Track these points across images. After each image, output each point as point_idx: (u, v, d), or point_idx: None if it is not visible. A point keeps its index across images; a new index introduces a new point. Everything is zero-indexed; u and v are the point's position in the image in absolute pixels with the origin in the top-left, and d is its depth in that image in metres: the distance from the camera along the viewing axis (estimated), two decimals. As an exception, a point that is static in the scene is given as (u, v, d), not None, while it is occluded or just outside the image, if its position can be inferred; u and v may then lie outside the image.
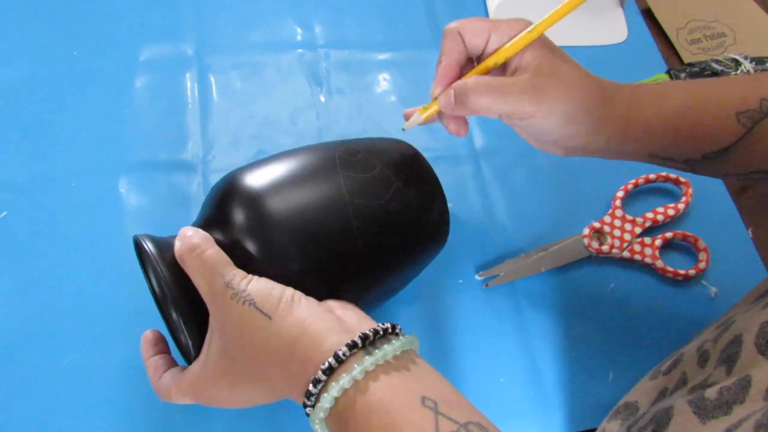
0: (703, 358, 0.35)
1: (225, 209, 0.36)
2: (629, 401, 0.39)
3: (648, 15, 0.72)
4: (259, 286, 0.32)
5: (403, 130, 0.40)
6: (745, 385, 0.28)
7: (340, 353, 0.28)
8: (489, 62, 0.38)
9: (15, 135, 0.54)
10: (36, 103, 0.56)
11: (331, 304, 0.34)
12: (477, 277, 0.51)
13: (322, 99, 0.60)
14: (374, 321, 0.33)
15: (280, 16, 0.65)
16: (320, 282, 0.35)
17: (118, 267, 0.49)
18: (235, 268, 0.33)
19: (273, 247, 0.35)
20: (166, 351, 0.38)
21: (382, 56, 0.64)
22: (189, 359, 0.35)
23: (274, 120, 0.58)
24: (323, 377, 0.28)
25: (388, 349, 0.29)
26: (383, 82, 0.62)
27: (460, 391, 0.30)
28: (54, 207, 0.51)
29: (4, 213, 0.50)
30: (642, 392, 0.39)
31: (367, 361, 0.28)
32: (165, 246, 0.35)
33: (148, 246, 0.35)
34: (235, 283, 0.32)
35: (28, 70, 0.57)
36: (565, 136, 0.39)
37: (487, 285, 0.51)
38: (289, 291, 0.32)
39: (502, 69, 0.39)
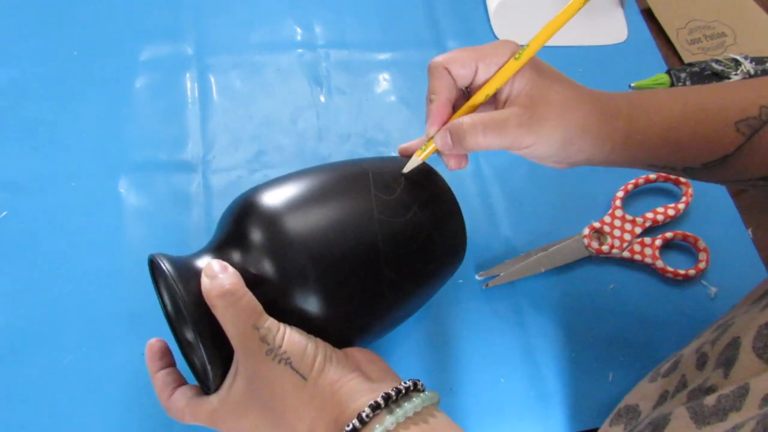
0: (701, 361, 0.35)
1: (244, 229, 0.36)
2: (630, 404, 0.39)
3: (648, 15, 0.72)
4: (293, 341, 0.32)
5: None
6: (743, 393, 0.28)
7: (364, 415, 0.29)
8: (479, 97, 0.37)
9: (15, 135, 0.54)
10: (36, 103, 0.56)
11: (358, 357, 0.34)
12: (477, 277, 0.51)
13: (322, 99, 0.60)
14: (397, 375, 0.34)
15: (280, 16, 0.65)
16: (340, 312, 0.35)
17: (118, 267, 0.49)
18: (267, 318, 0.33)
19: (293, 270, 0.34)
20: (172, 364, 0.38)
21: (382, 56, 0.64)
22: (206, 388, 0.35)
23: (274, 120, 0.58)
24: None
25: (409, 407, 0.30)
26: (383, 82, 0.62)
27: None
28: (54, 207, 0.51)
29: (4, 213, 0.50)
30: (642, 395, 0.39)
31: (388, 421, 0.29)
32: (185, 270, 0.34)
33: (168, 269, 0.33)
34: (270, 339, 0.32)
35: (28, 70, 0.57)
36: (565, 157, 0.38)
37: (487, 285, 0.51)
38: (322, 348, 0.33)
39: (493, 98, 0.38)
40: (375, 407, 0.30)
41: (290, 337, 0.32)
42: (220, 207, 0.52)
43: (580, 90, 0.38)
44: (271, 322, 0.33)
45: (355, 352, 0.35)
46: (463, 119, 0.36)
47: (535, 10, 0.69)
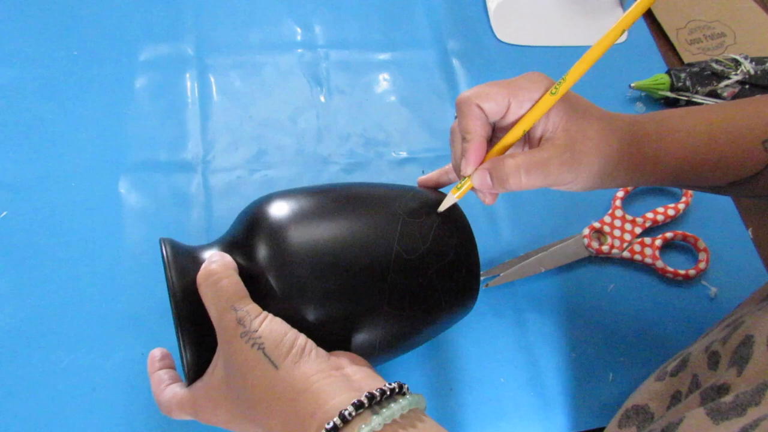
0: (713, 360, 0.35)
1: (250, 234, 0.36)
2: (639, 404, 0.39)
3: (648, 15, 0.72)
4: (271, 328, 0.31)
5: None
6: (762, 388, 0.28)
7: (346, 413, 0.28)
8: (516, 133, 0.36)
9: (15, 135, 0.54)
10: (36, 103, 0.56)
11: (342, 360, 0.33)
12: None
13: (322, 99, 0.60)
14: (383, 379, 0.32)
15: (280, 16, 0.65)
16: (336, 325, 0.34)
17: (118, 267, 0.49)
18: (250, 302, 0.32)
19: (294, 282, 0.34)
20: (171, 366, 0.38)
21: (382, 56, 0.64)
22: (187, 378, 0.35)
23: (274, 120, 0.58)
24: None
25: (395, 408, 0.29)
26: (383, 82, 0.62)
27: None
28: (54, 207, 0.51)
29: (4, 213, 0.50)
30: (651, 395, 0.38)
31: (375, 421, 0.28)
32: (186, 257, 0.35)
33: (167, 253, 0.34)
34: (247, 321, 0.31)
35: (28, 70, 0.57)
36: (598, 187, 0.38)
37: (487, 285, 0.51)
38: (301, 340, 0.31)
39: (527, 135, 0.37)
40: (358, 406, 0.28)
41: (269, 323, 0.31)
42: (220, 207, 0.53)
43: (612, 119, 0.37)
44: (252, 306, 0.32)
45: (340, 354, 0.34)
46: (505, 161, 0.35)
47: (535, 11, 0.69)
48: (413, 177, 0.55)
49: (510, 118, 0.36)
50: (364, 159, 0.57)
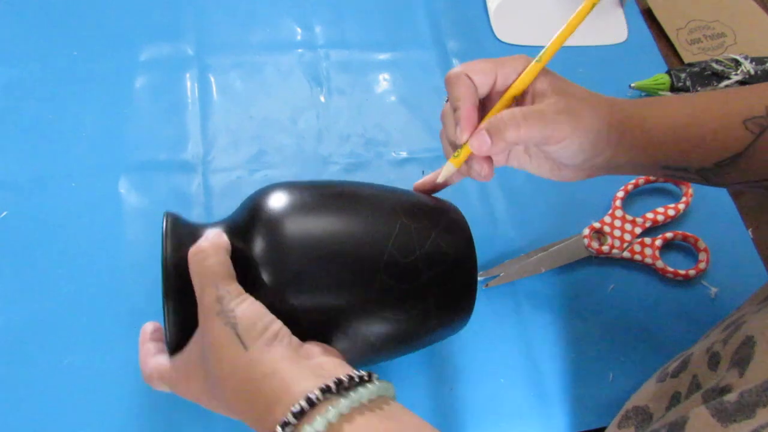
0: (713, 361, 0.35)
1: (249, 218, 0.36)
2: (639, 405, 0.39)
3: (648, 15, 0.72)
4: (248, 311, 0.31)
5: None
6: (767, 387, 0.28)
7: (313, 396, 0.28)
8: (506, 99, 0.38)
9: (15, 135, 0.54)
10: (36, 103, 0.56)
11: (315, 350, 0.33)
12: (477, 277, 0.51)
13: (322, 99, 0.60)
14: (352, 368, 0.32)
15: (280, 16, 0.65)
16: (319, 318, 0.34)
17: (118, 267, 0.49)
18: (233, 283, 0.33)
19: (282, 269, 0.34)
20: (160, 339, 0.38)
21: (382, 56, 0.64)
22: (169, 348, 0.35)
23: (274, 120, 0.58)
24: (293, 420, 0.27)
25: (364, 393, 0.29)
26: (383, 82, 0.62)
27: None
28: (54, 207, 0.51)
29: (4, 213, 0.50)
30: (651, 396, 0.39)
31: (343, 404, 0.28)
32: (185, 232, 0.35)
33: (167, 226, 0.35)
34: (226, 301, 0.31)
35: (28, 70, 0.57)
36: (592, 156, 0.39)
37: (487, 285, 0.51)
38: (276, 326, 0.31)
39: (518, 103, 0.39)
40: (325, 390, 0.28)
41: (248, 306, 0.31)
42: (220, 207, 0.53)
43: (594, 95, 0.39)
44: (234, 287, 0.32)
45: (313, 344, 0.33)
46: (501, 114, 0.36)
47: (535, 10, 0.69)
48: (413, 177, 0.55)
49: (497, 90, 0.38)
50: (364, 159, 0.57)
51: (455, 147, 0.39)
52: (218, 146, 0.56)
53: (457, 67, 0.38)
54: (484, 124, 0.37)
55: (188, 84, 0.59)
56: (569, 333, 0.50)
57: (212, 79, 0.60)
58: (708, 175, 0.40)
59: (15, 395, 0.43)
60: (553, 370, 0.48)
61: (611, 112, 0.38)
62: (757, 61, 0.63)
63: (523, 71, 0.37)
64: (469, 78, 0.37)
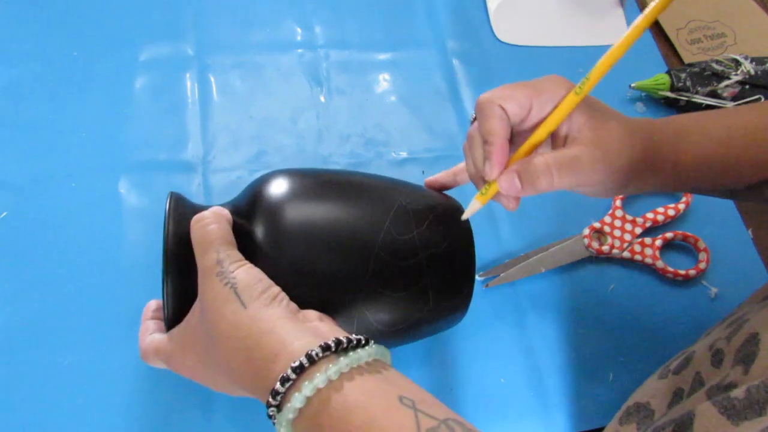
0: (717, 358, 0.35)
1: (252, 206, 0.37)
2: (640, 402, 0.39)
3: (648, 15, 0.72)
4: (247, 274, 0.32)
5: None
6: None
7: (313, 353, 0.28)
8: (541, 134, 0.35)
9: (15, 135, 0.54)
10: (36, 103, 0.56)
11: (311, 315, 0.33)
12: (477, 277, 0.51)
13: (322, 99, 0.60)
14: (348, 333, 0.32)
15: (280, 16, 0.65)
16: (316, 289, 0.35)
17: (118, 267, 0.49)
18: (233, 248, 0.33)
19: (279, 238, 0.35)
20: (160, 318, 0.39)
21: (382, 56, 0.64)
22: (166, 322, 0.36)
23: (274, 120, 0.58)
24: (293, 376, 0.27)
25: (363, 354, 0.29)
26: (383, 82, 0.62)
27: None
28: (54, 207, 0.51)
29: (4, 213, 0.50)
30: (653, 393, 0.38)
31: (342, 362, 0.28)
32: (188, 210, 0.36)
33: (170, 205, 0.35)
34: (226, 263, 0.32)
35: (28, 70, 0.57)
36: (623, 190, 0.38)
37: (487, 285, 0.51)
38: (275, 289, 0.32)
39: (550, 138, 0.37)
40: (325, 348, 0.28)
41: (246, 269, 0.32)
42: (220, 207, 0.53)
43: (631, 122, 0.37)
44: (234, 252, 0.33)
45: (309, 311, 0.34)
46: (534, 160, 0.34)
47: (535, 11, 0.69)
48: (413, 177, 0.55)
49: (531, 121, 0.36)
50: (364, 159, 0.57)
51: (480, 176, 0.37)
52: (218, 146, 0.56)
53: (490, 93, 0.35)
54: (515, 165, 0.35)
55: (188, 84, 0.59)
56: (569, 333, 0.50)
57: (212, 79, 0.60)
58: (738, 195, 0.40)
59: (15, 395, 0.43)
60: (553, 370, 0.48)
61: (645, 149, 0.36)
62: (757, 61, 0.63)
63: (560, 101, 0.35)
64: (502, 108, 0.34)
